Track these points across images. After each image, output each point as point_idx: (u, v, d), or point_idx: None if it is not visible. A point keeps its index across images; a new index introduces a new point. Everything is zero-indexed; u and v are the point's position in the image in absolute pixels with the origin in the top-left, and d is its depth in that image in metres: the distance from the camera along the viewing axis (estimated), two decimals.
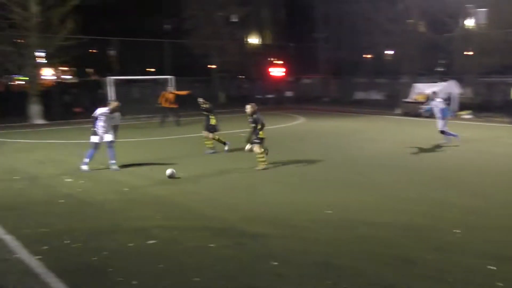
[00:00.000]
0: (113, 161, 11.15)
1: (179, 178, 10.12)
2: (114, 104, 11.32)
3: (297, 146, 15.01)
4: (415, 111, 24.45)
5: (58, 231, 6.73)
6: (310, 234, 6.58)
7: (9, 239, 6.43)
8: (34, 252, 5.93)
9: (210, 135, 13.24)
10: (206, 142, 13.41)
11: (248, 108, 11.05)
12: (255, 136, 10.93)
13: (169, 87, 21.59)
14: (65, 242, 6.31)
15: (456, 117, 23.38)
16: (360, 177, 10.29)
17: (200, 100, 13.33)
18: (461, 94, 25.86)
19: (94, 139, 11.03)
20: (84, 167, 10.94)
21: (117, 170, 11.00)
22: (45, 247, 6.12)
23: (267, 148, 11.33)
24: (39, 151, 13.76)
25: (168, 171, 10.09)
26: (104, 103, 11.95)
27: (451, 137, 14.22)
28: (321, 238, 6.43)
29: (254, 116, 10.97)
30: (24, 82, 30.98)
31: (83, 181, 10.00)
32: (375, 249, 5.95)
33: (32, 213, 7.75)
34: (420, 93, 25.45)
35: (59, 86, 29.66)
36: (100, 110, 11.07)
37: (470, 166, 11.48)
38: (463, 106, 24.66)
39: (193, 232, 6.68)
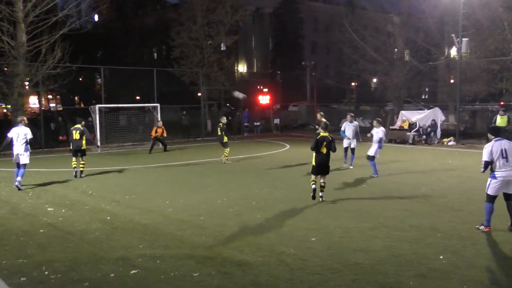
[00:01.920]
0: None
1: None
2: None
3: (276, 173, 14.82)
4: (401, 137, 24.75)
5: (37, 262, 6.56)
6: (296, 261, 6.50)
7: None
8: (11, 284, 5.77)
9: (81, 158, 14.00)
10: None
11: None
12: None
13: (159, 121, 22.16)
14: (44, 273, 6.15)
15: (440, 144, 23.69)
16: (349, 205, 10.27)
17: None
18: (444, 121, 26.45)
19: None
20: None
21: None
22: (23, 279, 5.96)
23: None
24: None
25: None
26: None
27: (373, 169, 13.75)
28: (308, 265, 6.35)
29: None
30: (7, 110, 30.82)
31: (64, 210, 9.83)
32: (367, 278, 5.90)
33: (10, 243, 7.55)
34: (405, 120, 25.92)
35: (45, 114, 29.41)
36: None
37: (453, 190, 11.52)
38: (446, 133, 25.15)
39: (177, 261, 6.56)
